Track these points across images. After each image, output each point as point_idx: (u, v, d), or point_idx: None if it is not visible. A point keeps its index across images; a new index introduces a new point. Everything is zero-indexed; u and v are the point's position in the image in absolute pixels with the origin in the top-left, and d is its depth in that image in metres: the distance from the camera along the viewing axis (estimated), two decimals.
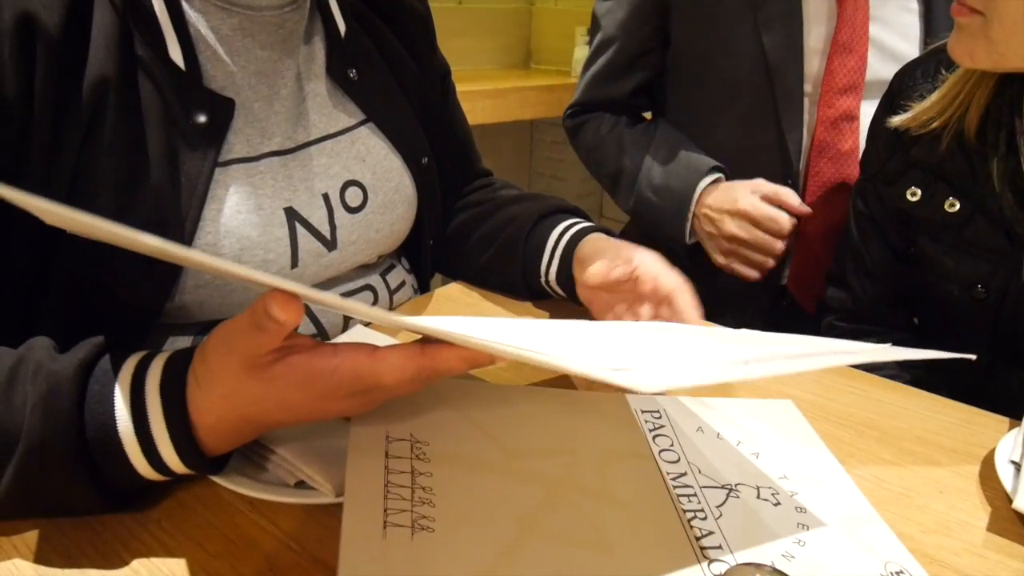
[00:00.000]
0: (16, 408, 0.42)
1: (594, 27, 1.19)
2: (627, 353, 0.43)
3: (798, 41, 1.00)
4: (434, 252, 0.80)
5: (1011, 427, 0.59)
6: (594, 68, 1.18)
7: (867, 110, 1.02)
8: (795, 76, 1.01)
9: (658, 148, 1.12)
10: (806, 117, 1.03)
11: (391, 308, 0.72)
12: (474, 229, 0.80)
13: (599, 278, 0.64)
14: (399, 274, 0.74)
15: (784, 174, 1.05)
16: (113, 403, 0.42)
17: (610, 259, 0.65)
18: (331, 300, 0.38)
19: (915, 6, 1.01)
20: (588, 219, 0.75)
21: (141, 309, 0.55)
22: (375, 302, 0.70)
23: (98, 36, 0.51)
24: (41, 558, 0.42)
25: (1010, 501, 0.49)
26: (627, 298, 0.65)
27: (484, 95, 1.88)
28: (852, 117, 1.01)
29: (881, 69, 1.00)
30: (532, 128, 2.56)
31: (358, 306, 0.37)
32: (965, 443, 0.57)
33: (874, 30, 0.99)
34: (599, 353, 0.43)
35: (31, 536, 0.44)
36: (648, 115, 1.25)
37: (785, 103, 1.02)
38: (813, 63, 1.01)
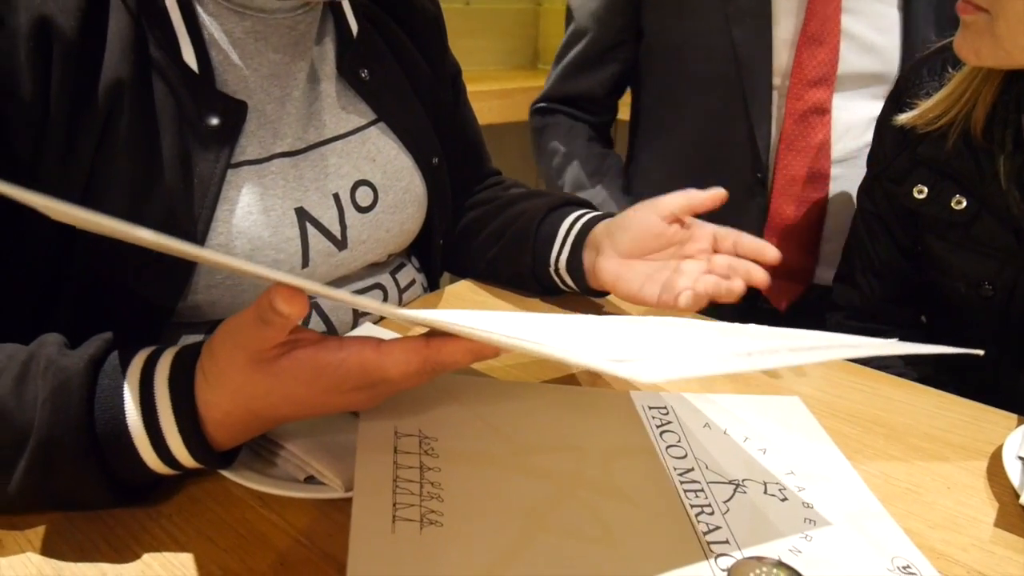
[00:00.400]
0: (27, 403, 0.42)
1: (568, 19, 1.19)
2: (629, 345, 0.43)
3: (767, 34, 1.00)
4: (444, 250, 0.80)
5: (1019, 423, 0.59)
6: (566, 60, 1.18)
7: (840, 103, 1.01)
8: (764, 69, 1.01)
9: (603, 189, 1.13)
10: (775, 110, 1.02)
11: (400, 306, 0.73)
12: (483, 226, 0.80)
13: (682, 200, 0.66)
14: (409, 273, 0.75)
15: (753, 168, 1.04)
16: (123, 398, 0.43)
17: (652, 208, 0.67)
18: (341, 296, 0.39)
19: None
20: (597, 211, 0.75)
21: (154, 307, 0.55)
22: (385, 300, 0.70)
23: (113, 39, 0.51)
24: (53, 552, 0.43)
25: (1017, 497, 0.49)
26: (670, 265, 0.67)
27: (491, 95, 1.88)
28: (823, 110, 1.00)
29: (855, 61, 0.99)
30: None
31: (367, 301, 0.37)
32: (973, 439, 0.57)
33: (847, 22, 0.99)
34: (601, 345, 0.43)
35: (44, 530, 0.44)
36: (627, 113, 1.24)
37: (754, 96, 1.01)
38: (782, 56, 1.00)
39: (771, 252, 0.63)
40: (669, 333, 0.49)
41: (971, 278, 0.77)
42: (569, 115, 1.20)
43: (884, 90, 1.03)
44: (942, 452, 0.56)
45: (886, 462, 0.54)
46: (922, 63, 0.83)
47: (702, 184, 1.08)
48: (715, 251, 0.66)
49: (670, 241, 0.67)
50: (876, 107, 1.02)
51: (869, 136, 1.03)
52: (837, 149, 1.02)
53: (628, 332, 0.49)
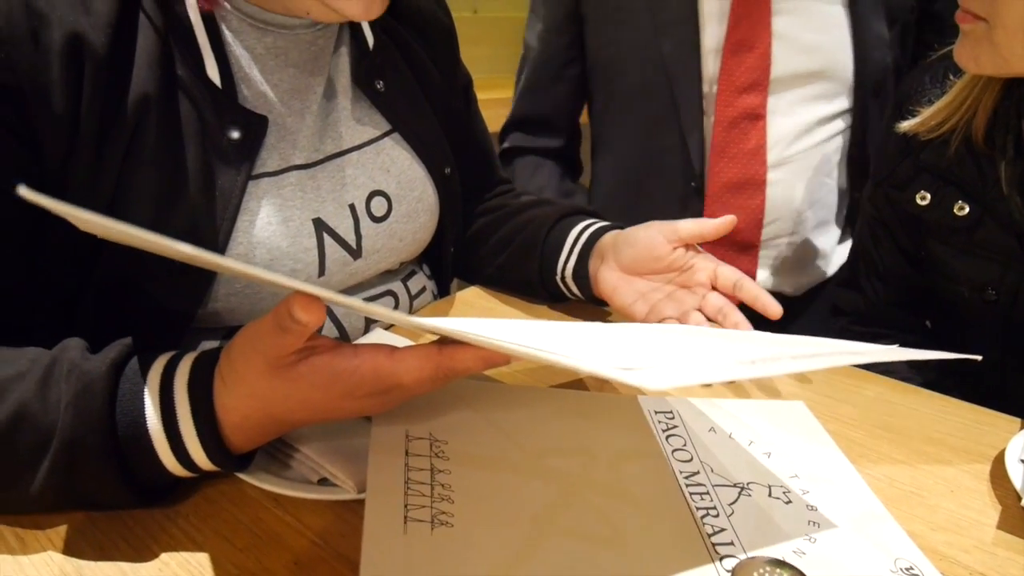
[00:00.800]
0: (51, 406, 0.44)
1: (524, 41, 1.21)
2: (636, 353, 0.44)
3: (694, 43, 1.00)
4: (454, 257, 0.81)
5: (1022, 427, 0.60)
6: (522, 82, 1.19)
7: (777, 107, 1.00)
8: (692, 78, 1.01)
9: None
10: (707, 118, 1.02)
11: (411, 312, 0.74)
12: (493, 232, 0.81)
13: (693, 228, 0.67)
14: (420, 280, 0.76)
15: (685, 176, 1.04)
16: (143, 402, 0.44)
17: (657, 230, 0.68)
18: (355, 304, 0.40)
19: None
20: (606, 221, 0.76)
21: (175, 314, 0.57)
22: (396, 307, 0.71)
23: (141, 56, 0.53)
24: (74, 551, 0.44)
25: (1020, 499, 0.50)
26: (665, 289, 0.67)
27: (500, 103, 1.89)
28: (756, 116, 1.00)
29: (792, 63, 0.99)
30: None
31: (380, 309, 0.38)
32: (976, 443, 0.58)
33: (779, 24, 0.98)
34: (609, 352, 0.44)
35: (65, 530, 0.45)
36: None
37: (683, 105, 1.02)
38: (711, 64, 1.00)
39: (773, 309, 0.63)
40: (675, 340, 0.50)
41: (974, 283, 0.78)
42: (533, 151, 1.20)
43: (825, 88, 1.01)
44: (945, 456, 0.56)
45: (889, 465, 0.55)
46: (924, 71, 0.84)
47: (642, 193, 1.09)
48: (713, 287, 0.67)
49: (670, 266, 0.68)
50: (816, 109, 1.02)
51: (809, 140, 1.03)
52: (774, 154, 1.02)
53: (634, 339, 0.50)
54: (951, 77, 0.78)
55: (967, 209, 0.77)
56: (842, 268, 1.13)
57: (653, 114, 1.05)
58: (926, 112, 0.78)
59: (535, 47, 1.16)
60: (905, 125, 0.80)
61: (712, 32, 1.00)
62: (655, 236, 0.68)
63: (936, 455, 0.57)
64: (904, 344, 0.76)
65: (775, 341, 0.50)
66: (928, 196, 0.80)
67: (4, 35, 0.48)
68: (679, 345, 0.48)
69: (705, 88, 1.02)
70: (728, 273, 0.66)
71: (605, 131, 1.15)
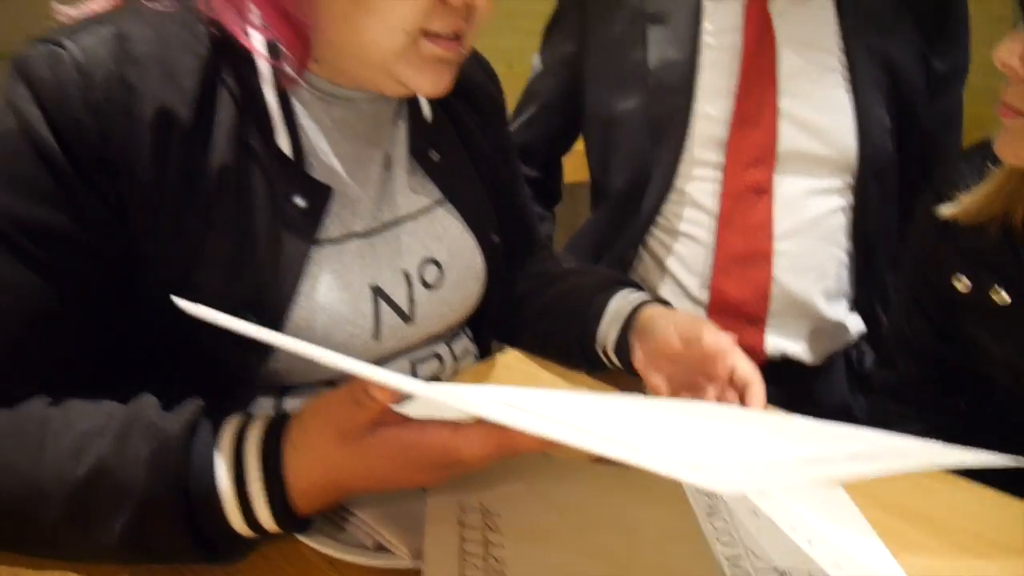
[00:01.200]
0: (129, 462, 0.46)
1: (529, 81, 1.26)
2: (697, 445, 0.45)
3: (685, 112, 1.02)
4: (495, 321, 0.83)
5: None
6: (520, 119, 1.23)
7: (782, 181, 1.01)
8: (679, 145, 1.02)
9: None
10: (713, 187, 1.03)
11: (455, 374, 0.76)
12: (535, 298, 0.83)
13: (714, 344, 0.65)
14: (463, 343, 0.78)
15: None
16: (215, 463, 0.46)
17: (676, 328, 0.68)
18: (421, 389, 0.41)
19: (840, 80, 1.01)
20: (646, 293, 0.78)
21: (238, 373, 0.59)
22: (442, 368, 0.73)
23: (220, 128, 0.56)
24: None
25: None
26: (690, 377, 0.68)
27: None
28: (762, 190, 1.01)
29: (797, 141, 1.00)
30: (585, 190, 2.60)
31: (446, 395, 0.40)
32: (1019, 539, 0.58)
33: (785, 104, 1.00)
34: (666, 441, 0.45)
35: None
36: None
37: (666, 170, 1.03)
38: (712, 131, 1.02)
39: None
40: (731, 429, 0.50)
41: (1010, 368, 0.79)
42: None
43: (828, 167, 1.02)
44: (987, 551, 0.57)
45: (929, 558, 0.55)
46: (962, 158, 0.86)
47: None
48: (730, 381, 0.65)
49: (686, 365, 0.67)
50: (819, 183, 1.03)
51: (813, 213, 1.03)
52: (779, 227, 1.02)
53: (687, 423, 0.51)
54: (989, 165, 0.79)
55: (1004, 295, 0.78)
56: (862, 338, 1.13)
57: (641, 177, 1.07)
58: (965, 199, 0.79)
59: (532, 88, 1.21)
60: (944, 211, 0.81)
61: (710, 104, 1.02)
62: (671, 336, 0.68)
63: (977, 550, 0.57)
64: (939, 426, 0.76)
65: (830, 435, 0.50)
66: (965, 280, 0.81)
67: (103, 109, 0.52)
68: (736, 435, 0.49)
69: (711, 157, 1.03)
70: (742, 375, 0.64)
71: (598, 188, 1.18)
